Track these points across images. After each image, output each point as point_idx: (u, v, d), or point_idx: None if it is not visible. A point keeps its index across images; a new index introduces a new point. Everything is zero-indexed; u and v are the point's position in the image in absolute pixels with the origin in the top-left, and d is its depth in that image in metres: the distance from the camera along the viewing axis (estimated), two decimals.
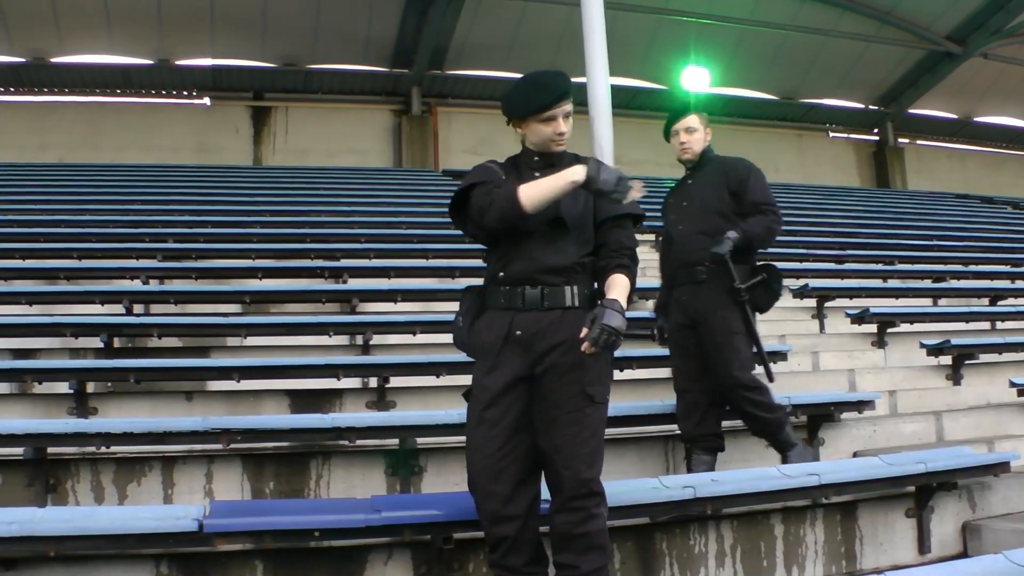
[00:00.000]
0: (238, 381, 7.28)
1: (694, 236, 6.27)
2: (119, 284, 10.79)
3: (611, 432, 6.30)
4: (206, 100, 26.27)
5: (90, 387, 7.34)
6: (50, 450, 5.82)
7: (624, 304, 4.11)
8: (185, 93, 26.45)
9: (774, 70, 28.51)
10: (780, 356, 8.29)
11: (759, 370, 6.32)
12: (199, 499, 5.86)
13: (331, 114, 25.96)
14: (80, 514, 4.53)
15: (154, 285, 10.86)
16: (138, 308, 10.01)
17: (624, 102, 24.60)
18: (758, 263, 6.36)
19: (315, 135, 25.61)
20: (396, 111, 26.87)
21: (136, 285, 10.77)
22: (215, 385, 7.60)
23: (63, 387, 7.36)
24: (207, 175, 20.69)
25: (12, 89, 26.35)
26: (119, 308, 9.83)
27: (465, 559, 4.76)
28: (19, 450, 5.76)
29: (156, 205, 15.97)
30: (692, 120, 6.44)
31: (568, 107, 4.30)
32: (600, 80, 11.78)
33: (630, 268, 4.31)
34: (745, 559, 5.39)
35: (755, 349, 6.26)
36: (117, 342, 8.80)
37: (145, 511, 4.64)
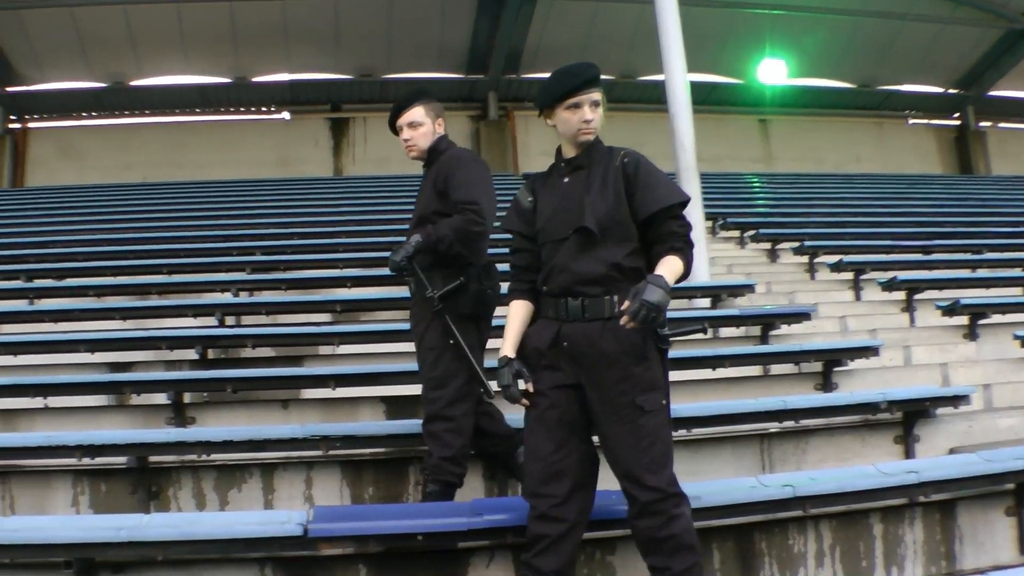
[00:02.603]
0: (334, 388, 7.34)
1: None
2: (210, 297, 10.98)
3: (705, 432, 6.36)
4: (285, 114, 26.63)
5: (186, 397, 7.45)
6: (151, 458, 5.97)
7: (670, 281, 3.99)
8: (264, 108, 26.80)
9: (850, 57, 28.12)
10: (871, 351, 8.11)
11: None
12: (299, 505, 5.93)
13: None
14: (185, 520, 4.66)
15: (244, 297, 11.04)
16: (230, 320, 10.17)
17: (702, 98, 24.53)
18: (471, 264, 5.48)
19: (394, 144, 25.01)
20: (473, 116, 27.01)
21: (227, 298, 10.97)
22: (310, 393, 7.69)
23: (160, 398, 7.48)
24: (289, 188, 20.91)
25: (95, 113, 27.05)
26: (211, 320, 10.00)
27: None
28: (122, 459, 5.92)
29: (241, 219, 16.27)
30: (414, 113, 5.78)
31: (595, 95, 4.26)
32: (678, 77, 11.69)
33: (683, 250, 4.15)
34: (844, 559, 5.28)
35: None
36: (211, 353, 8.95)
37: (250, 516, 4.76)
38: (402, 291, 10.70)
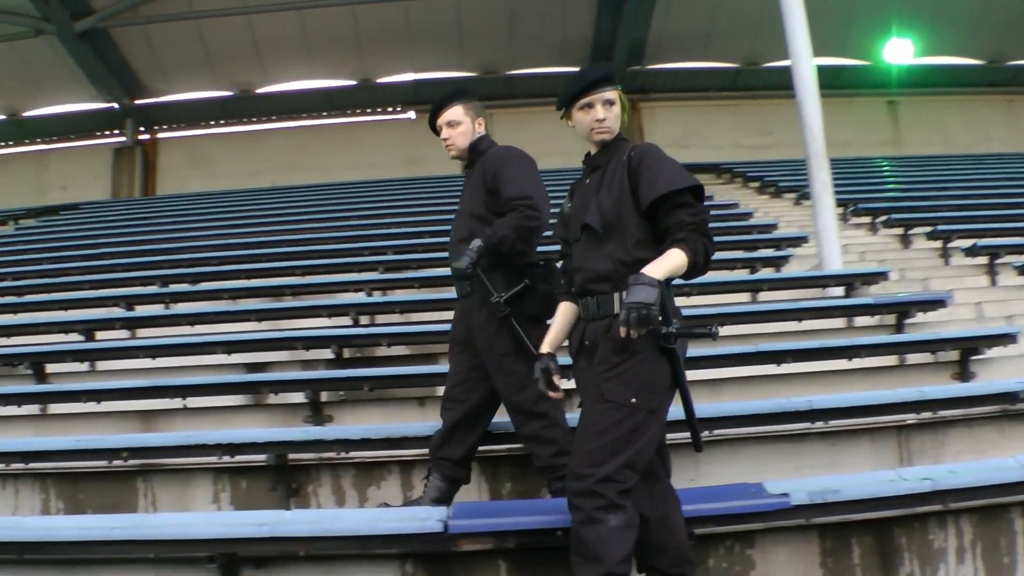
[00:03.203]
0: None
1: (455, 245, 5.60)
2: (344, 297, 11.12)
3: (843, 424, 6.21)
4: (411, 113, 26.84)
5: (323, 396, 7.58)
6: (291, 456, 6.10)
7: (662, 274, 3.84)
8: (389, 109, 27.01)
9: (978, 33, 27.08)
10: (1009, 339, 7.88)
11: None
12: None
13: (534, 118, 26.02)
14: (327, 516, 4.70)
15: (378, 296, 11.14)
16: (364, 319, 10.28)
17: (828, 82, 24.11)
18: (534, 263, 5.43)
19: (521, 140, 25.11)
20: None
21: (361, 297, 11.09)
22: (443, 390, 7.69)
23: (297, 397, 7.64)
24: (417, 187, 21.06)
25: (222, 121, 27.64)
26: (346, 320, 10.14)
27: (706, 554, 4.69)
28: (262, 457, 6.05)
29: (371, 219, 16.47)
30: (452, 113, 5.74)
31: (607, 95, 4.26)
32: (804, 61, 11.49)
33: (686, 241, 3.95)
34: (985, 555, 5.05)
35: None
36: (346, 352, 9.05)
37: (390, 513, 4.79)
38: None
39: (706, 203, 4.17)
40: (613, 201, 4.17)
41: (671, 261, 3.90)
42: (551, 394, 4.35)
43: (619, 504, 3.86)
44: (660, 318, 3.80)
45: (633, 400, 3.92)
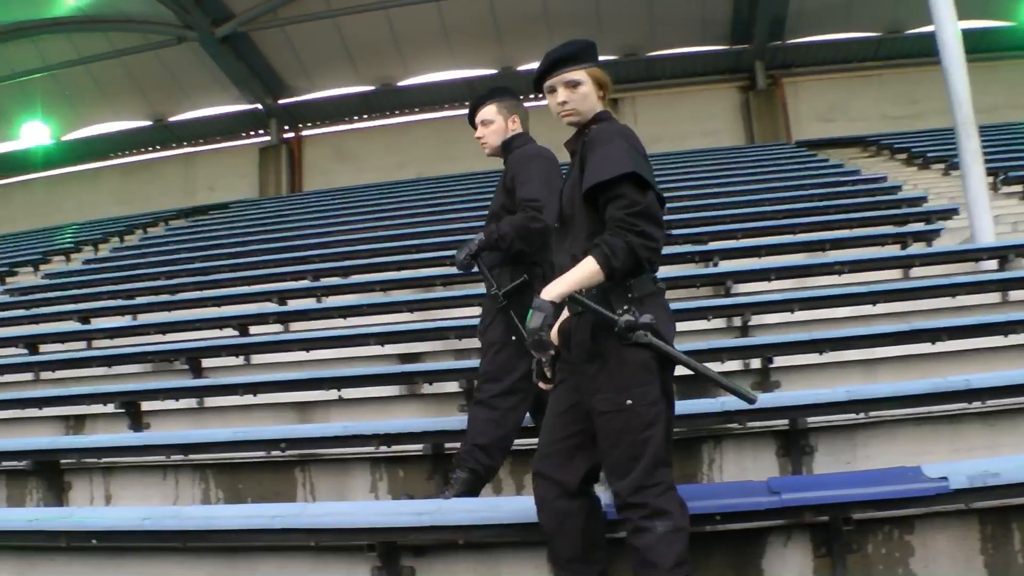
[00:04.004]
0: None
1: None
2: None
3: (1001, 403, 5.90)
4: None
5: (475, 384, 7.53)
6: (447, 445, 6.12)
7: (554, 295, 3.79)
8: (531, 96, 26.95)
9: None
10: None
11: None
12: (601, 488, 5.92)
13: (677, 98, 25.87)
14: (485, 504, 4.72)
15: None
16: None
17: (972, 45, 23.35)
18: (536, 263, 5.53)
19: (664, 121, 25.57)
20: (742, 87, 26.46)
21: None
22: None
23: (451, 386, 7.68)
24: (563, 172, 20.93)
25: (365, 116, 27.97)
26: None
27: (864, 540, 4.51)
28: (418, 446, 6.11)
29: None
30: (486, 112, 5.86)
31: (570, 75, 4.04)
32: (947, 26, 11.10)
33: (600, 246, 3.77)
34: None
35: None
36: None
37: None
38: (684, 269, 10.61)
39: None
40: (572, 193, 4.04)
41: (578, 274, 3.78)
42: (542, 384, 4.24)
43: (663, 509, 3.77)
44: (627, 319, 3.70)
45: (629, 402, 3.79)
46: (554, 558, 4.16)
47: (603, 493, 4.15)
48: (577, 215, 3.98)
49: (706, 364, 3.88)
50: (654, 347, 3.74)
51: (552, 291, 3.78)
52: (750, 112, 26.12)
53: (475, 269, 5.43)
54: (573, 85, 4.03)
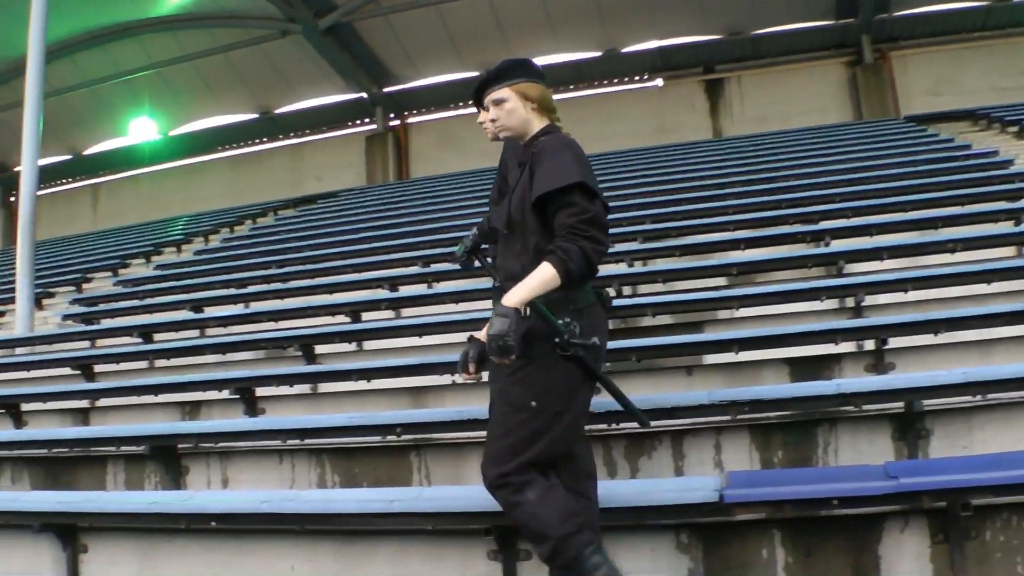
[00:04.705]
0: (737, 353, 7.23)
1: None
2: (605, 269, 10.92)
3: None
4: (658, 81, 26.66)
5: None
6: None
7: (515, 301, 3.88)
8: (636, 78, 26.87)
9: None
10: None
11: None
12: (708, 471, 5.89)
13: (783, 76, 25.51)
14: (601, 488, 4.67)
15: (639, 267, 11.05)
16: (626, 290, 10.22)
17: None
18: None
19: (770, 100, 25.27)
20: (848, 63, 25.87)
21: (622, 268, 11.03)
22: (712, 358, 7.59)
23: None
24: (668, 154, 20.84)
25: (470, 102, 27.86)
26: (609, 292, 9.95)
27: (982, 526, 4.44)
28: None
29: (625, 189, 16.35)
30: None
31: (495, 95, 4.27)
32: None
33: (555, 252, 3.92)
34: None
35: None
36: (611, 323, 8.96)
37: (664, 484, 4.78)
38: (794, 249, 10.48)
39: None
40: (519, 201, 4.18)
41: (536, 279, 3.92)
42: (463, 376, 4.39)
43: (525, 480, 3.97)
44: (566, 334, 3.92)
45: (533, 403, 3.98)
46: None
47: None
48: (527, 222, 4.12)
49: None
50: (584, 363, 3.96)
51: (513, 298, 3.90)
52: (857, 88, 25.54)
53: (476, 264, 5.37)
54: (499, 102, 4.27)
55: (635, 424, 5.89)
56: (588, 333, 3.99)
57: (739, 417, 5.81)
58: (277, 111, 30.47)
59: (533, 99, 4.28)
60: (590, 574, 3.89)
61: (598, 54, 26.81)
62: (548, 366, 3.99)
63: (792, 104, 25.09)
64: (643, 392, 7.12)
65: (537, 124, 4.31)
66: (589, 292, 4.12)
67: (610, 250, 11.24)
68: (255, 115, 30.79)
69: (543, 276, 3.90)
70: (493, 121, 4.30)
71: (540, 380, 4.00)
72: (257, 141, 31.86)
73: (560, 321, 3.94)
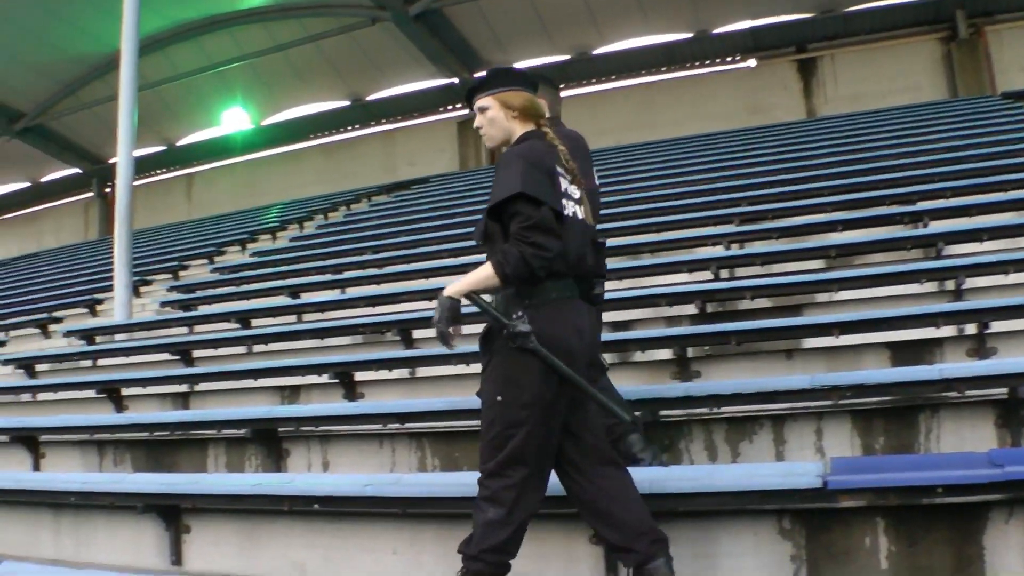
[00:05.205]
0: (837, 336, 7.14)
1: None
2: (703, 252, 11.03)
3: None
4: (751, 62, 26.35)
5: (688, 351, 7.54)
6: (662, 413, 6.09)
7: (452, 291, 4.17)
8: (728, 59, 26.65)
9: None
10: None
11: None
12: (809, 456, 5.85)
13: (876, 54, 25.01)
14: (703, 472, 4.73)
15: (736, 249, 10.96)
16: (723, 273, 10.13)
17: None
18: None
19: (864, 79, 24.75)
20: (942, 39, 25.17)
21: (719, 251, 10.95)
22: (811, 342, 7.51)
23: (663, 354, 7.64)
24: (762, 135, 20.62)
25: (562, 86, 27.86)
26: (706, 275, 10.03)
27: None
28: (636, 414, 5.99)
29: (720, 171, 16.24)
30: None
31: (478, 103, 4.46)
32: None
33: (496, 253, 4.13)
34: None
35: None
36: (709, 307, 8.98)
37: (767, 469, 4.74)
38: (892, 231, 10.34)
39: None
40: (484, 212, 4.32)
41: (475, 275, 4.15)
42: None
43: (500, 499, 4.12)
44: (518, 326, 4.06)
45: (499, 398, 4.14)
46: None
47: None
48: (493, 232, 4.26)
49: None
50: (538, 355, 4.06)
51: (450, 288, 4.19)
52: (952, 64, 24.79)
53: None
54: (483, 111, 4.45)
55: (735, 408, 5.93)
56: (543, 328, 4.10)
57: (840, 402, 5.75)
58: (368, 98, 30.60)
59: (515, 107, 4.42)
60: None
61: (689, 36, 26.48)
62: (506, 360, 4.15)
63: (886, 82, 24.61)
64: (740, 376, 7.12)
65: (519, 131, 4.44)
66: (550, 290, 4.21)
67: (704, 233, 11.23)
68: (347, 102, 30.96)
69: (480, 273, 4.13)
70: (478, 128, 4.50)
71: (501, 374, 4.18)
72: (349, 128, 32.05)
73: (514, 316, 4.10)
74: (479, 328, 4.37)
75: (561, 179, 4.30)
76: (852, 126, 19.30)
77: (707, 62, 26.92)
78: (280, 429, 7.51)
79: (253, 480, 5.97)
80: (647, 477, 4.53)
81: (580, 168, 5.03)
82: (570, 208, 4.30)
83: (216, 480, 6.41)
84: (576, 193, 4.41)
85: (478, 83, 4.47)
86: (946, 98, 23.58)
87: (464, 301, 4.19)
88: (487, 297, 4.21)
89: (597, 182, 5.88)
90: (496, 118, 4.42)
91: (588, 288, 4.41)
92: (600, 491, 4.25)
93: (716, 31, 26.20)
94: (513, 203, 4.11)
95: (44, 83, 30.61)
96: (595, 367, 4.41)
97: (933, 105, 21.22)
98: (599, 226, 5.32)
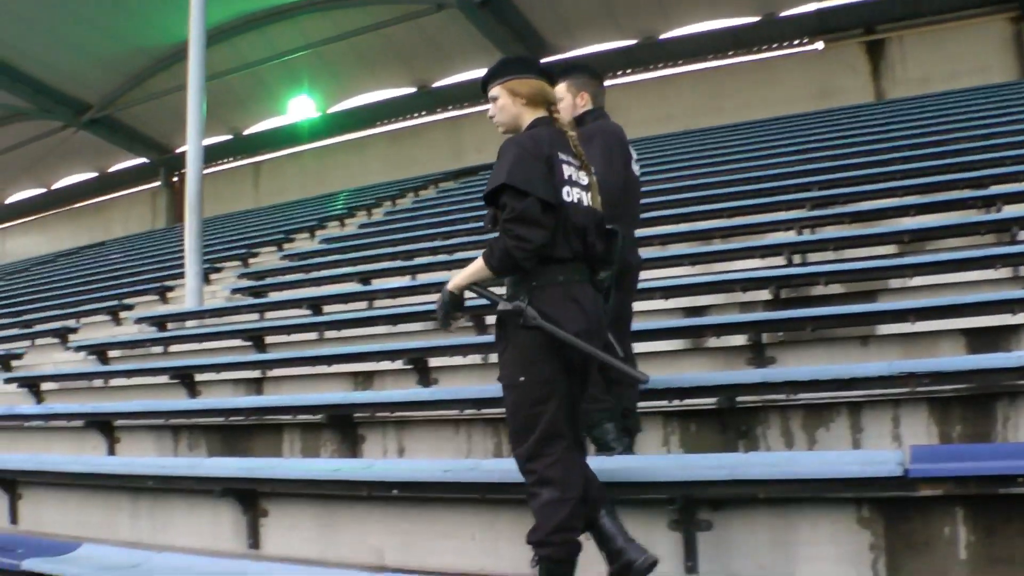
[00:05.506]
0: (913, 323, 7.08)
1: None
2: (775, 237, 10.95)
3: None
4: (818, 44, 26.04)
5: (763, 337, 7.50)
6: (738, 399, 6.06)
7: (452, 284, 4.38)
8: (796, 42, 26.41)
9: None
10: None
11: None
12: (886, 444, 5.80)
13: (945, 35, 24.59)
14: (783, 459, 4.75)
15: (807, 235, 10.87)
16: (795, 258, 10.05)
17: None
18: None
19: (933, 60, 24.32)
20: (1012, 18, 24.69)
21: (791, 236, 10.88)
22: (885, 329, 7.44)
23: (737, 340, 7.65)
24: (831, 119, 20.41)
25: (629, 71, 27.88)
26: (778, 260, 9.96)
27: None
28: (710, 400, 6.08)
29: (789, 156, 16.13)
30: (557, 91, 5.50)
31: (490, 92, 4.60)
32: None
33: (488, 244, 4.27)
34: None
35: None
36: (783, 293, 8.94)
37: (847, 457, 4.73)
38: (965, 215, 10.22)
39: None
40: None
41: (470, 268, 4.36)
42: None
43: (550, 478, 4.18)
44: (522, 307, 4.18)
45: (521, 378, 4.24)
46: None
47: None
48: (497, 218, 4.34)
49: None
50: (544, 330, 4.15)
51: (452, 282, 4.40)
52: (1021, 44, 24.35)
53: None
54: (493, 100, 4.59)
55: (812, 394, 5.91)
56: (543, 306, 4.20)
57: (917, 390, 5.70)
58: (434, 85, 30.64)
59: (522, 95, 4.52)
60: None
61: (756, 19, 26.28)
62: (520, 341, 4.24)
63: (954, 63, 24.15)
64: (816, 362, 7.08)
65: (528, 118, 4.54)
66: (553, 272, 4.31)
67: (775, 218, 11.14)
68: (413, 89, 31.08)
69: (474, 267, 4.33)
70: (491, 117, 4.63)
71: (519, 356, 4.25)
72: (416, 115, 32.14)
73: (519, 298, 4.22)
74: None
75: (566, 166, 4.37)
76: (921, 109, 19.07)
77: (774, 45, 26.65)
78: (356, 415, 7.59)
79: (332, 465, 6.04)
80: (727, 463, 4.55)
81: (617, 160, 5.43)
82: (574, 194, 4.36)
83: (295, 465, 6.49)
84: (584, 180, 4.47)
85: (489, 73, 4.60)
86: (1016, 79, 23.21)
87: (468, 292, 4.39)
88: (498, 290, 4.38)
89: (639, 172, 5.95)
90: (505, 106, 4.54)
91: (593, 273, 4.47)
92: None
93: (783, 14, 25.94)
94: (502, 194, 4.24)
95: (110, 75, 31.10)
96: (609, 348, 4.43)
97: (1005, 87, 20.87)
98: (642, 215, 5.36)
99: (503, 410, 4.46)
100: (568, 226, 4.29)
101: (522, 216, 4.15)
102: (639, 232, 6.72)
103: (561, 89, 5.93)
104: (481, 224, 15.10)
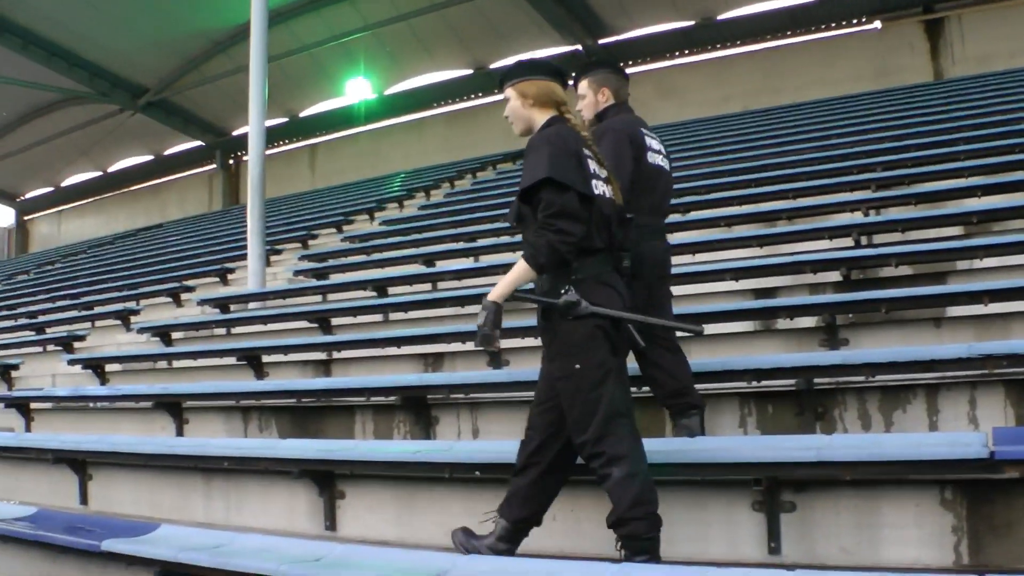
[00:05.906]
0: (987, 305, 7.02)
1: None
2: (841, 219, 10.84)
3: None
4: (876, 24, 25.79)
5: (836, 319, 7.48)
6: (816, 381, 6.06)
7: (495, 295, 4.40)
8: (853, 21, 26.18)
9: None
10: None
11: None
12: (963, 426, 5.77)
13: (1004, 13, 24.17)
14: (868, 441, 4.74)
15: (873, 216, 10.80)
16: (862, 240, 9.96)
17: None
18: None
19: (994, 38, 23.89)
20: None
21: (857, 218, 10.79)
22: (956, 310, 7.42)
23: (807, 321, 7.66)
24: (891, 99, 20.22)
25: (687, 51, 27.83)
26: (846, 242, 9.90)
27: None
28: (788, 382, 6.10)
29: (850, 136, 15.98)
30: (580, 88, 6.17)
31: (503, 94, 4.80)
32: None
33: (527, 246, 4.36)
34: None
35: None
36: (853, 274, 8.92)
37: (931, 438, 4.75)
38: None
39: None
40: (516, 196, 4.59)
41: (513, 275, 4.40)
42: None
43: (619, 455, 4.31)
44: (569, 304, 4.31)
45: (577, 366, 4.38)
46: None
47: None
48: (524, 215, 4.52)
49: None
50: (597, 314, 4.34)
51: (493, 293, 4.42)
52: None
53: None
54: (506, 101, 4.78)
55: (889, 376, 5.91)
56: (588, 295, 4.35)
57: (995, 372, 5.68)
58: (492, 66, 30.64)
59: (530, 96, 4.69)
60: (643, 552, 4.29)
61: None
62: (570, 330, 4.38)
63: (1014, 42, 23.82)
64: (889, 344, 7.06)
65: (540, 119, 4.68)
66: (595, 264, 4.48)
67: (842, 198, 11.07)
68: (469, 71, 31.19)
69: (518, 272, 4.38)
70: (506, 117, 4.78)
71: (570, 345, 4.40)
72: (472, 96, 32.21)
73: (562, 292, 4.35)
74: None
75: (589, 160, 4.52)
76: (983, 88, 18.82)
77: (832, 25, 26.40)
78: (429, 396, 7.63)
79: (412, 447, 6.06)
80: (813, 445, 4.55)
81: (626, 157, 5.59)
82: (599, 187, 4.51)
83: (373, 447, 6.52)
84: (603, 173, 4.62)
85: (502, 75, 4.80)
86: None
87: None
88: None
89: (661, 162, 6.05)
90: (515, 107, 4.73)
91: (618, 261, 4.60)
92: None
93: None
94: (540, 189, 4.34)
95: (168, 58, 31.47)
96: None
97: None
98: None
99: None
100: (599, 218, 4.46)
101: (563, 210, 4.28)
102: (674, 218, 6.74)
103: (583, 86, 6.18)
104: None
